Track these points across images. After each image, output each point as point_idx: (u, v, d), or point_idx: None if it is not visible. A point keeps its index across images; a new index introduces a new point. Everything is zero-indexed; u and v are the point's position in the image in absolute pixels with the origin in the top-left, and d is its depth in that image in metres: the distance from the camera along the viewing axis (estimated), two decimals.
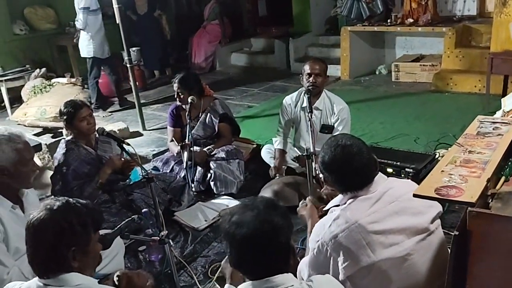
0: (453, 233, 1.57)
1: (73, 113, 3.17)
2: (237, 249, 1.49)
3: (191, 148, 3.66)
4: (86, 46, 6.10)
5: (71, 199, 1.63)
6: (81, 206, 1.61)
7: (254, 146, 4.37)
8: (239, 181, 3.77)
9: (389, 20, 6.53)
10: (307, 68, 3.54)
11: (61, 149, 3.21)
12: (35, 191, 2.64)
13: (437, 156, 3.72)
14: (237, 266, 1.53)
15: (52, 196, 3.28)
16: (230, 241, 1.50)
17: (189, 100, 3.72)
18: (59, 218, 1.54)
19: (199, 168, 3.77)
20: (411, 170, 3.41)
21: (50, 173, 3.61)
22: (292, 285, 1.46)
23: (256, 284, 1.47)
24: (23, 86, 6.50)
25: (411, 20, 6.31)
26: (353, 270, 1.78)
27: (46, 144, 4.58)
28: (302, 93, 3.63)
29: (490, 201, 1.65)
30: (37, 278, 1.57)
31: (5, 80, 6.40)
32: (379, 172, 1.97)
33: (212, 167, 3.72)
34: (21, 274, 2.08)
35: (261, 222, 1.48)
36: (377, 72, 7.04)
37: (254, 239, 1.46)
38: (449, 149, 3.35)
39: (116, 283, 1.86)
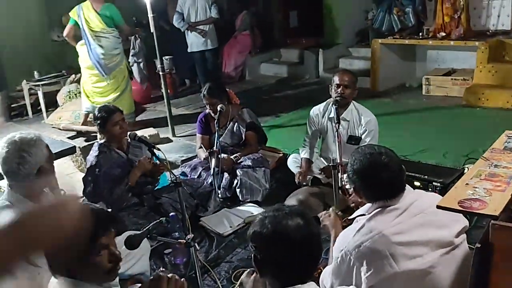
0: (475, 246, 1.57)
1: (106, 117, 3.29)
2: (273, 256, 1.49)
3: (219, 155, 3.72)
4: None
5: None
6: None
7: (281, 155, 4.40)
8: (265, 189, 3.81)
9: (420, 34, 6.48)
10: (336, 79, 3.56)
11: (94, 152, 3.33)
12: (61, 192, 2.74)
13: (465, 171, 3.67)
14: (268, 271, 1.53)
15: (83, 198, 3.40)
16: (267, 248, 1.50)
17: (219, 109, 3.79)
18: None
19: (225, 175, 3.83)
20: (438, 184, 3.37)
21: (81, 175, 3.72)
22: None
23: None
24: (58, 91, 6.72)
25: (443, 34, 6.25)
26: (376, 280, 1.78)
27: (79, 147, 4.72)
28: (330, 104, 3.66)
29: None
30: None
31: (42, 85, 6.62)
32: (406, 184, 1.98)
33: (238, 174, 3.77)
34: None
35: (303, 231, 1.50)
36: (407, 85, 6.97)
37: (294, 246, 1.48)
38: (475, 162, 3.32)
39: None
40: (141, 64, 6.45)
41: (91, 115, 5.38)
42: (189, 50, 6.82)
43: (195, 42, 6.77)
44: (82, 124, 5.77)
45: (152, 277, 1.75)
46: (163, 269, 2.87)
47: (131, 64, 6.16)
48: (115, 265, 1.67)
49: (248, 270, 1.87)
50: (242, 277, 1.95)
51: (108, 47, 5.46)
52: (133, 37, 6.24)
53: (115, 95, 5.63)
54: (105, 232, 1.63)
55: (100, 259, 1.61)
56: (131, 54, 6.37)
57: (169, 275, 1.74)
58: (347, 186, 2.79)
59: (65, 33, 5.63)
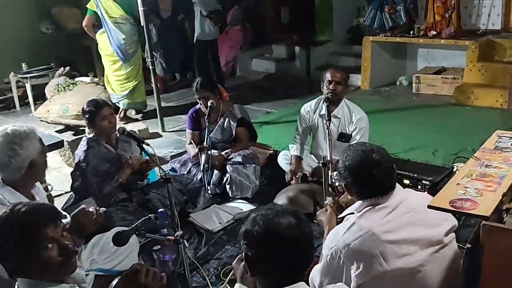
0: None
1: (94, 112, 3.25)
2: (265, 254, 1.48)
3: (209, 151, 3.70)
4: None
5: (22, 203, 1.62)
6: (21, 212, 1.57)
7: (271, 152, 4.39)
8: (255, 186, 3.79)
9: (411, 32, 6.49)
10: (328, 76, 3.55)
11: (82, 146, 3.29)
12: (48, 187, 2.73)
13: (455, 170, 3.69)
14: (258, 270, 1.52)
15: (71, 193, 3.36)
16: (258, 246, 1.49)
17: (209, 104, 3.77)
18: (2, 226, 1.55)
19: (215, 171, 3.81)
20: (428, 183, 3.39)
21: (69, 170, 3.68)
22: None
23: None
24: (47, 83, 6.63)
25: (434, 33, 6.27)
26: (365, 279, 1.78)
27: (67, 141, 4.66)
28: (321, 101, 3.65)
29: (504, 216, 1.64)
30: None
31: (30, 77, 6.55)
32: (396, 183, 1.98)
33: (228, 170, 3.75)
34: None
35: (295, 230, 1.48)
36: (397, 83, 7.00)
37: (286, 246, 1.46)
38: (466, 162, 3.33)
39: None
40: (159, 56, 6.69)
41: (78, 109, 5.33)
42: (200, 39, 6.83)
43: (207, 31, 6.80)
44: (122, 117, 5.97)
45: (130, 269, 1.73)
46: (142, 262, 2.87)
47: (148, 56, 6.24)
48: (67, 258, 1.62)
49: (239, 256, 1.86)
50: (233, 262, 1.93)
51: (128, 33, 5.66)
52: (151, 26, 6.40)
53: (135, 83, 5.84)
54: (48, 224, 1.58)
55: (48, 253, 1.56)
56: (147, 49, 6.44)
57: (147, 268, 1.73)
58: (337, 184, 2.78)
59: (84, 23, 5.79)
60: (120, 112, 5.99)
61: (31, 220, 1.56)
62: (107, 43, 5.69)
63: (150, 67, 5.45)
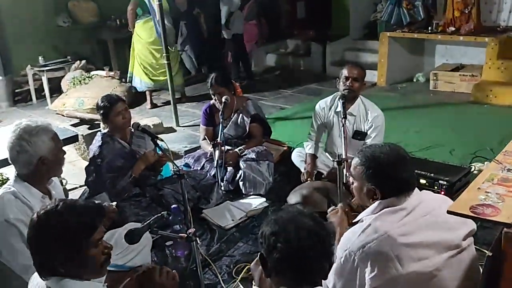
0: (486, 252, 1.53)
1: (109, 107, 3.25)
2: (283, 258, 1.46)
3: (222, 148, 3.68)
4: None
5: (67, 201, 1.61)
6: (68, 213, 1.56)
7: (285, 148, 4.36)
8: (268, 183, 3.77)
9: (430, 28, 6.38)
10: (345, 72, 3.50)
11: (97, 142, 3.29)
12: (63, 181, 2.73)
13: (472, 170, 3.63)
14: (276, 273, 1.50)
15: (85, 187, 3.37)
16: (274, 247, 1.47)
17: (223, 100, 3.74)
18: (44, 227, 1.54)
19: (229, 168, 3.79)
20: (444, 183, 3.34)
21: (84, 163, 3.69)
22: None
23: None
24: (63, 77, 6.69)
25: (453, 29, 6.16)
26: (380, 282, 1.75)
27: (82, 135, 4.69)
28: (337, 98, 3.60)
29: None
30: None
31: (46, 71, 6.60)
32: None
33: (242, 167, 3.73)
34: None
35: (313, 233, 1.47)
36: (414, 80, 6.91)
37: (307, 251, 1.44)
38: (486, 164, 3.27)
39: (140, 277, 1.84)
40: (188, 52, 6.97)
41: (94, 103, 5.40)
42: (233, 33, 7.03)
43: (237, 25, 7.01)
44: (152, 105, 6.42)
45: (142, 269, 1.77)
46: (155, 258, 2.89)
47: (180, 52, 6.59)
48: (108, 257, 1.65)
49: (256, 259, 1.85)
50: (251, 265, 1.92)
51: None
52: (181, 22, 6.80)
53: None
54: (100, 224, 1.61)
55: (95, 252, 1.59)
56: (179, 42, 6.88)
57: (160, 267, 1.77)
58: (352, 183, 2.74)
59: (130, 7, 6.05)
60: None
61: (89, 218, 1.58)
62: (151, 31, 5.92)
63: (165, 62, 5.44)
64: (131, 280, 1.76)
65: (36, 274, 1.66)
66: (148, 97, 6.47)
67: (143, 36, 6.06)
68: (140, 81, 6.27)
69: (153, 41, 6.02)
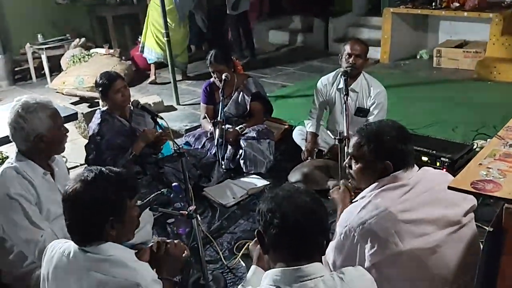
0: (486, 228, 1.52)
1: (107, 85, 3.22)
2: (280, 233, 1.46)
3: (223, 126, 3.66)
4: None
5: (104, 169, 1.64)
6: (115, 175, 1.63)
7: (286, 126, 4.33)
8: (269, 161, 3.76)
9: (434, 3, 6.29)
10: (347, 48, 3.45)
11: (96, 119, 3.28)
12: (63, 159, 2.74)
13: (474, 147, 3.61)
14: (274, 249, 1.50)
15: (85, 166, 3.37)
16: (271, 223, 1.46)
17: (223, 78, 3.71)
18: (94, 190, 1.57)
19: (229, 146, 3.78)
20: (446, 160, 3.33)
21: (84, 141, 3.68)
22: (323, 276, 1.44)
23: (286, 272, 1.45)
24: (62, 55, 6.64)
25: (457, 4, 6.06)
26: (380, 258, 1.75)
27: (82, 113, 4.67)
28: (339, 74, 3.56)
29: None
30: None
31: (46, 49, 6.55)
32: None
33: (243, 145, 3.72)
34: (54, 235, 2.16)
35: (311, 210, 1.47)
36: (418, 57, 6.84)
37: (303, 227, 1.44)
38: (489, 141, 3.24)
39: (154, 249, 1.88)
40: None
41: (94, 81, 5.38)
42: (240, 10, 6.86)
43: (243, 4, 6.85)
44: (155, 77, 6.47)
45: (152, 244, 1.84)
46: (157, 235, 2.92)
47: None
48: (138, 220, 1.74)
49: (255, 239, 1.86)
50: (250, 244, 1.95)
51: None
52: None
53: (182, 49, 6.16)
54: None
55: (134, 213, 1.69)
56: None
57: (169, 241, 1.86)
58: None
59: None
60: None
61: (132, 181, 1.70)
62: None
63: (165, 39, 5.39)
64: (143, 252, 1.78)
65: (56, 242, 1.69)
66: (152, 69, 6.45)
67: (159, 3, 5.81)
68: (151, 51, 6.23)
69: (169, 10, 5.86)
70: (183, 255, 1.91)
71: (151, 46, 6.23)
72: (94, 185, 1.57)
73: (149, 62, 6.40)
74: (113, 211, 1.58)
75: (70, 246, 1.62)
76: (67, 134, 2.42)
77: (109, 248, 1.58)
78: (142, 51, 6.38)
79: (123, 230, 1.63)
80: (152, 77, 6.45)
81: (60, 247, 1.64)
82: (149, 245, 1.90)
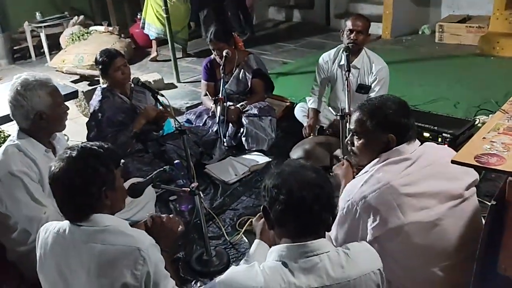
0: (488, 203, 1.52)
1: (108, 62, 3.19)
2: (285, 209, 1.45)
3: (224, 103, 3.64)
4: None
5: (84, 144, 1.65)
6: (98, 147, 1.65)
7: (288, 104, 4.32)
8: (270, 139, 3.76)
9: None
10: (349, 24, 3.41)
11: (97, 97, 3.26)
12: (64, 137, 2.74)
13: (476, 123, 3.60)
14: (279, 225, 1.50)
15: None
16: (279, 201, 1.46)
17: (224, 54, 3.67)
18: (83, 165, 1.57)
19: (231, 123, 3.77)
20: (448, 136, 3.32)
21: (85, 120, 3.67)
22: (328, 251, 1.44)
23: (291, 248, 1.45)
24: (61, 33, 6.59)
25: None
26: (382, 231, 1.76)
27: (82, 91, 4.66)
28: (341, 50, 3.52)
29: None
30: None
31: (45, 27, 6.50)
32: None
33: (244, 123, 3.71)
34: (57, 213, 2.16)
35: (315, 184, 1.46)
36: (420, 32, 6.77)
37: (309, 203, 1.43)
38: (491, 116, 3.23)
39: (149, 224, 1.91)
40: None
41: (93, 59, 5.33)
42: None
43: None
44: (156, 53, 6.41)
45: (151, 216, 1.91)
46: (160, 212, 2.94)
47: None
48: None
49: (259, 214, 1.87)
50: (253, 220, 1.96)
51: None
52: None
53: (182, 25, 6.12)
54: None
55: (121, 181, 1.72)
56: None
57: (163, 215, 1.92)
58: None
59: None
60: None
61: (114, 151, 1.70)
62: None
63: (164, 15, 5.32)
64: (137, 226, 1.81)
65: (48, 224, 1.70)
66: (154, 46, 6.39)
67: None
68: (151, 26, 6.15)
69: None
70: (178, 228, 1.95)
71: (151, 21, 6.15)
72: (81, 160, 1.58)
73: (150, 38, 6.33)
74: (105, 180, 1.60)
75: (64, 224, 1.63)
76: (68, 111, 2.42)
77: (103, 219, 1.60)
78: (143, 27, 6.30)
79: (116, 198, 1.66)
80: (153, 54, 6.40)
81: (54, 227, 1.66)
82: (143, 220, 1.92)
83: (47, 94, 2.25)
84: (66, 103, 2.44)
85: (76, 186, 1.56)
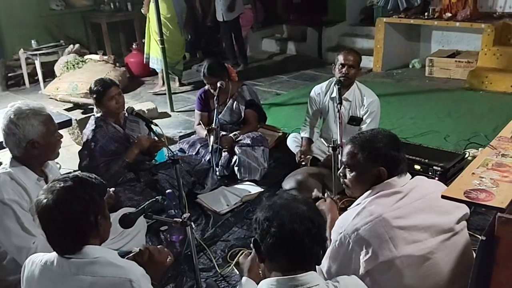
0: (479, 237, 1.53)
1: (102, 91, 3.22)
2: (276, 242, 1.46)
3: (218, 133, 3.66)
4: None
5: (74, 175, 1.65)
6: (90, 177, 1.66)
7: (280, 134, 4.35)
8: (263, 168, 3.77)
9: (426, 13, 6.36)
10: (340, 58, 3.48)
11: (90, 126, 3.27)
12: (57, 165, 2.73)
13: (466, 156, 3.63)
14: (270, 258, 1.50)
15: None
16: (271, 233, 1.46)
17: (218, 85, 3.71)
18: (81, 193, 1.57)
19: (224, 153, 3.78)
20: (439, 169, 3.34)
21: (78, 148, 3.67)
22: (318, 285, 1.44)
23: (281, 281, 1.45)
24: (56, 61, 6.62)
25: (449, 15, 6.14)
26: (374, 264, 1.76)
27: (76, 119, 4.66)
28: (333, 83, 3.59)
29: None
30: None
31: (40, 54, 6.53)
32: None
33: (237, 152, 3.72)
34: (47, 243, 2.14)
35: (309, 219, 1.47)
36: (410, 66, 6.90)
37: (300, 236, 1.44)
38: (481, 150, 3.28)
39: (138, 256, 1.89)
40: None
41: (88, 87, 5.34)
42: (236, 13, 6.97)
43: (239, 6, 6.97)
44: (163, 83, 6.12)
45: (140, 249, 1.88)
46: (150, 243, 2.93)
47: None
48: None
49: (246, 251, 1.87)
50: (239, 258, 1.94)
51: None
52: None
53: (182, 54, 6.29)
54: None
55: (108, 217, 1.69)
56: None
57: (150, 247, 1.90)
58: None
59: None
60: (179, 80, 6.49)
61: (100, 180, 1.69)
62: (169, 6, 5.95)
63: (159, 46, 5.39)
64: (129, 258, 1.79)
65: (34, 256, 1.67)
66: (160, 80, 6.24)
67: (161, 9, 5.64)
68: (157, 60, 6.06)
69: (170, 18, 5.99)
70: (167, 260, 1.93)
71: (156, 55, 6.04)
72: (79, 189, 1.58)
73: (157, 70, 6.23)
74: (99, 209, 1.61)
75: (51, 256, 1.61)
76: (61, 140, 2.42)
77: (93, 251, 1.58)
78: (147, 62, 6.27)
79: (107, 226, 1.67)
80: (160, 87, 6.21)
81: (41, 259, 1.63)
82: (133, 253, 1.91)
83: (40, 123, 2.26)
84: (59, 131, 2.46)
85: (74, 215, 1.55)
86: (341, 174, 2.04)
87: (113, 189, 2.56)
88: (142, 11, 6.15)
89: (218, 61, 4.01)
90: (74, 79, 5.93)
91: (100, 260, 1.56)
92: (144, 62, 6.38)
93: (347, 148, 1.98)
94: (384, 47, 6.69)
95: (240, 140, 3.82)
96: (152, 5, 5.68)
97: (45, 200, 1.56)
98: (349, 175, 1.98)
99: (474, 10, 6.07)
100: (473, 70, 5.88)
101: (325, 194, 2.41)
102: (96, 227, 1.60)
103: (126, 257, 1.88)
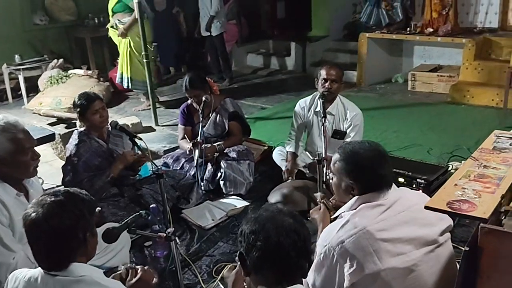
0: (463, 248, 1.54)
1: (86, 105, 3.19)
2: (262, 256, 1.45)
3: (202, 147, 3.65)
4: None
5: (68, 189, 1.65)
6: (80, 193, 1.65)
7: (266, 148, 4.35)
8: (249, 182, 3.76)
9: (408, 29, 6.47)
10: (323, 73, 3.52)
11: (73, 140, 3.24)
12: (39, 180, 2.68)
13: (450, 169, 3.68)
14: (256, 271, 1.49)
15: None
16: (256, 247, 1.46)
17: (203, 99, 3.71)
18: (72, 208, 1.56)
19: (209, 167, 3.76)
20: (422, 181, 3.38)
21: (61, 163, 3.63)
22: None
23: None
24: (40, 75, 6.57)
25: (431, 30, 6.25)
26: (359, 277, 1.75)
27: (59, 134, 4.61)
28: (317, 97, 3.62)
29: (503, 218, 1.61)
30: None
31: (23, 69, 6.47)
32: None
33: (223, 166, 3.71)
34: (27, 258, 2.10)
35: (293, 231, 1.47)
36: (393, 80, 6.99)
37: (286, 249, 1.44)
38: (464, 162, 3.32)
39: (124, 276, 1.86)
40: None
41: (71, 102, 5.28)
42: (213, 33, 6.95)
43: (218, 26, 6.96)
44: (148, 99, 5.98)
45: (125, 268, 1.86)
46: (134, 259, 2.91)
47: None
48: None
49: (230, 265, 1.85)
50: (224, 272, 1.92)
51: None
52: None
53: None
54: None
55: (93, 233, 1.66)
56: None
57: (138, 267, 1.87)
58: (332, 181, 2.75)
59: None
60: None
61: (93, 202, 1.68)
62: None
63: (144, 60, 5.37)
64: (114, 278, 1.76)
65: (17, 272, 1.64)
66: (145, 97, 6.09)
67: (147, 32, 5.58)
68: (138, 82, 5.91)
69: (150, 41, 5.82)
70: (153, 281, 1.90)
71: (139, 78, 5.87)
72: (69, 204, 1.57)
73: (142, 92, 6.09)
74: (88, 225, 1.60)
75: (35, 272, 1.58)
76: (37, 159, 2.32)
77: (79, 269, 1.56)
78: (128, 87, 6.06)
79: (94, 243, 1.66)
80: (145, 106, 6.10)
81: (24, 275, 1.60)
82: (119, 271, 1.88)
83: (8, 140, 2.18)
84: (42, 145, 2.41)
85: (63, 229, 1.53)
86: (331, 175, 2.06)
87: (99, 208, 2.53)
88: (119, 35, 5.85)
89: (199, 73, 4.00)
90: (57, 93, 5.88)
91: (85, 279, 1.54)
92: (125, 87, 6.14)
93: (335, 155, 2.02)
94: (367, 62, 6.77)
95: (226, 153, 3.80)
96: (135, 29, 5.57)
97: (34, 214, 1.53)
98: (332, 180, 2.04)
99: (455, 26, 6.19)
100: (455, 84, 5.98)
101: (321, 201, 2.39)
102: (84, 243, 1.58)
103: (112, 275, 1.85)
